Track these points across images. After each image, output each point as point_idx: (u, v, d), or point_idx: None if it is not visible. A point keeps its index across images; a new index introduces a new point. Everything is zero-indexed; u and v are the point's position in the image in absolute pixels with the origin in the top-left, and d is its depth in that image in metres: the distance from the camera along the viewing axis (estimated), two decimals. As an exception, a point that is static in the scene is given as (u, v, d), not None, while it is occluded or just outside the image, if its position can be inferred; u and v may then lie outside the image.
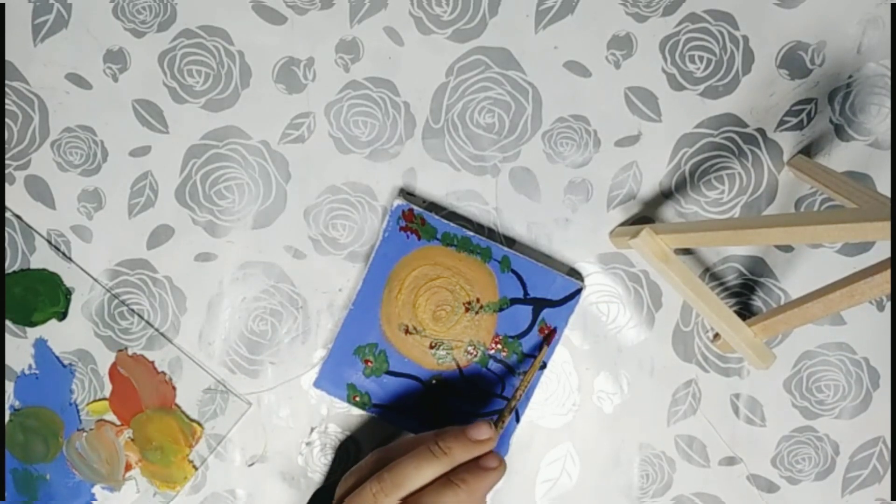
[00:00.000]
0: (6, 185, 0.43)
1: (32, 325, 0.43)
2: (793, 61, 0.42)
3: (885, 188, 0.42)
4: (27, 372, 0.43)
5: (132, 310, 0.43)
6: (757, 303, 0.43)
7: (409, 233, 0.41)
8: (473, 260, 0.41)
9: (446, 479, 0.34)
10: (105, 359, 0.43)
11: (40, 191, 0.43)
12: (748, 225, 0.32)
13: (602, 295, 0.43)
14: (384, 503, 0.33)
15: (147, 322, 0.43)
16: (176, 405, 0.43)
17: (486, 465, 0.35)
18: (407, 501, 0.34)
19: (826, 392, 0.42)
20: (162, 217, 0.43)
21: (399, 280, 0.41)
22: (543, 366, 0.41)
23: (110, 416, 0.43)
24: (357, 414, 0.43)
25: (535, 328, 0.41)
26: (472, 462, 0.35)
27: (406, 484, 0.34)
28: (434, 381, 0.41)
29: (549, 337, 0.41)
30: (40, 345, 0.43)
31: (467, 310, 0.41)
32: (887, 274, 0.30)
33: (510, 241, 0.43)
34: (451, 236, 0.41)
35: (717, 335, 0.42)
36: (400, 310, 0.41)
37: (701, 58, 0.42)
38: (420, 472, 0.34)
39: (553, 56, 0.42)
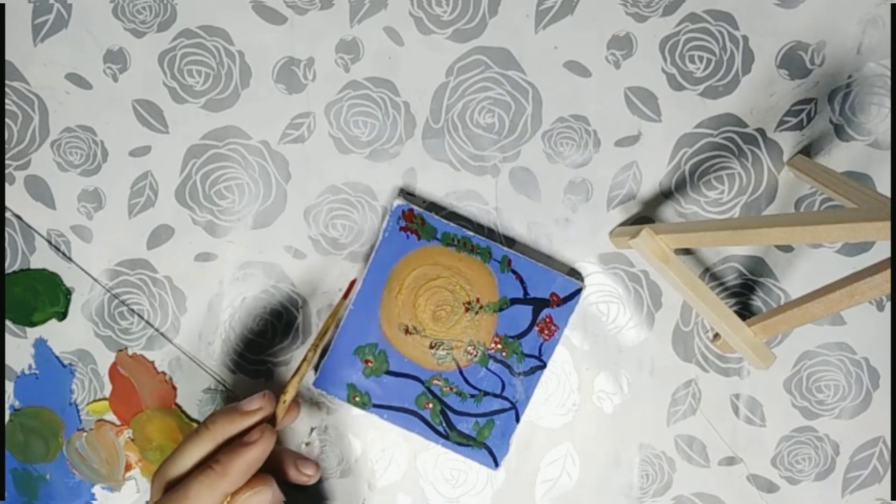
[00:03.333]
0: (6, 185, 0.43)
1: (32, 325, 0.43)
2: (793, 61, 0.42)
3: (885, 188, 0.42)
4: (27, 372, 0.43)
5: (132, 310, 0.43)
6: (757, 303, 0.42)
7: (409, 233, 0.41)
8: (473, 260, 0.41)
9: (205, 463, 0.32)
10: (105, 359, 0.43)
11: (40, 191, 0.43)
12: (748, 225, 0.32)
13: (602, 295, 0.43)
14: (153, 495, 0.32)
15: (147, 322, 0.43)
16: (176, 405, 0.43)
17: (246, 440, 0.33)
18: (169, 489, 0.32)
19: (826, 392, 0.42)
20: (162, 217, 0.43)
21: (399, 280, 0.41)
22: (544, 365, 0.41)
23: (110, 416, 0.43)
24: (357, 414, 0.43)
25: (535, 328, 0.41)
26: (236, 437, 0.34)
27: (171, 470, 0.32)
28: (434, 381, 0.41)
29: (349, 289, 0.40)
30: (40, 345, 0.43)
31: (467, 310, 0.41)
32: (887, 274, 0.30)
33: (510, 241, 0.43)
34: (451, 236, 0.41)
35: (717, 335, 0.42)
36: (400, 310, 0.41)
37: (701, 58, 0.42)
38: (185, 454, 0.32)
39: (553, 56, 0.42)
